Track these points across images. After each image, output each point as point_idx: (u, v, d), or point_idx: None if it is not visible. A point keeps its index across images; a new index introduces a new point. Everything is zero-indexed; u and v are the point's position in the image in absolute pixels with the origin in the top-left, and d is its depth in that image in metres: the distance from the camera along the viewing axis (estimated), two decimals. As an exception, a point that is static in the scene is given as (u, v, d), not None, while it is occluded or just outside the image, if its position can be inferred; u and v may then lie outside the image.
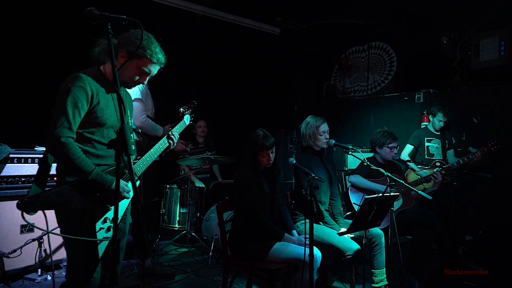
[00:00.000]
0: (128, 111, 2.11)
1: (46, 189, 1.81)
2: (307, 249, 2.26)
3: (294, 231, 2.86)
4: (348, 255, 2.76)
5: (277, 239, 2.66)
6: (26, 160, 3.26)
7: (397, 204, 3.45)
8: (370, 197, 2.48)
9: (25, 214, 1.64)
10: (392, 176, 2.90)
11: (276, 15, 6.22)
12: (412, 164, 3.99)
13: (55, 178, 1.91)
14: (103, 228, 1.86)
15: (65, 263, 3.23)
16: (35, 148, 3.36)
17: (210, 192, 4.93)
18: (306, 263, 2.33)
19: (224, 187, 5.11)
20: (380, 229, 3.12)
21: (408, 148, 4.60)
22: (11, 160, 3.17)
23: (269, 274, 2.50)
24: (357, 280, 3.18)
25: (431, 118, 4.55)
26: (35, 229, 3.18)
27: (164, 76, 3.66)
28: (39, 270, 3.21)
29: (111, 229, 1.87)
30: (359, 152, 3.16)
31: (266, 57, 6.41)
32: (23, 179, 3.22)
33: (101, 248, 1.84)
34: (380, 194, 2.53)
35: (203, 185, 4.77)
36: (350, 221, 2.79)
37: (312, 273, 2.25)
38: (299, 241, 2.67)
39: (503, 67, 4.63)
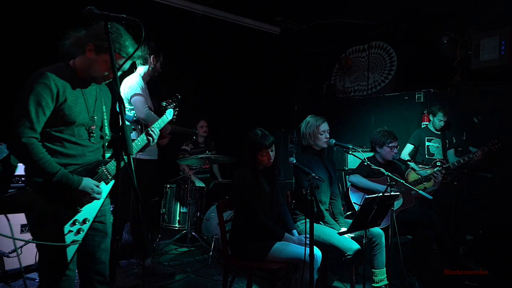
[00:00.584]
0: (104, 107, 2.02)
1: (10, 191, 1.73)
2: (307, 249, 2.26)
3: (295, 231, 2.85)
4: (348, 255, 2.75)
5: (277, 238, 2.66)
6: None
7: (397, 204, 3.45)
8: (370, 197, 2.48)
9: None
10: (392, 176, 2.90)
11: (276, 15, 6.22)
12: (412, 164, 3.99)
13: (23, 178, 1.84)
14: (72, 231, 1.78)
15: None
16: None
17: (210, 192, 4.93)
18: (306, 263, 2.32)
19: (224, 187, 5.12)
20: (381, 228, 3.11)
21: (409, 147, 4.60)
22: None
23: (269, 274, 2.50)
24: (357, 280, 3.18)
25: (431, 118, 4.55)
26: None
27: (164, 76, 3.68)
28: (39, 269, 3.20)
29: (81, 232, 1.80)
30: (359, 151, 3.16)
31: (266, 56, 6.41)
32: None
33: (70, 251, 1.78)
34: (380, 194, 2.53)
35: (203, 185, 4.77)
36: (350, 221, 2.79)
37: (312, 272, 2.25)
38: (299, 240, 2.66)
39: (504, 66, 4.62)
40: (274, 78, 6.57)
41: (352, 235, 2.97)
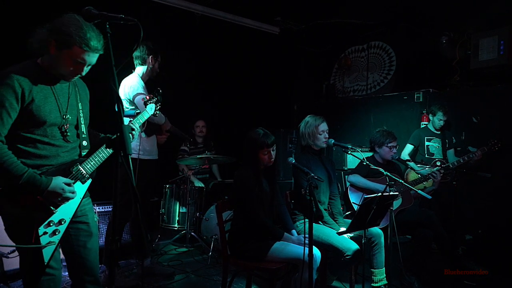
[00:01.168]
0: (80, 104, 1.96)
1: None
2: (307, 249, 2.26)
3: (294, 231, 2.85)
4: (347, 255, 2.75)
5: (276, 238, 2.66)
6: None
7: (396, 204, 3.45)
8: (370, 197, 2.48)
9: None
10: (392, 176, 2.90)
11: (276, 15, 6.21)
12: (411, 163, 3.99)
13: None
14: (47, 232, 1.74)
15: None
16: None
17: (209, 192, 4.93)
18: (305, 263, 2.32)
19: (223, 187, 5.12)
20: (380, 228, 3.12)
21: (408, 147, 4.60)
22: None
23: (268, 273, 2.50)
24: (356, 280, 3.18)
25: (431, 117, 4.55)
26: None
27: (163, 76, 3.67)
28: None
29: (57, 233, 1.77)
30: (358, 151, 3.16)
31: (265, 56, 6.41)
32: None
33: (47, 252, 1.74)
34: (380, 194, 2.53)
35: (203, 185, 4.77)
36: (349, 221, 2.79)
37: (311, 272, 2.26)
38: (299, 240, 2.66)
39: (503, 66, 4.63)
40: (273, 78, 6.57)
41: (351, 235, 2.97)
